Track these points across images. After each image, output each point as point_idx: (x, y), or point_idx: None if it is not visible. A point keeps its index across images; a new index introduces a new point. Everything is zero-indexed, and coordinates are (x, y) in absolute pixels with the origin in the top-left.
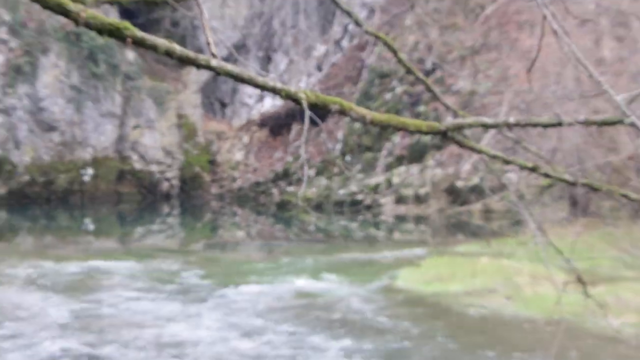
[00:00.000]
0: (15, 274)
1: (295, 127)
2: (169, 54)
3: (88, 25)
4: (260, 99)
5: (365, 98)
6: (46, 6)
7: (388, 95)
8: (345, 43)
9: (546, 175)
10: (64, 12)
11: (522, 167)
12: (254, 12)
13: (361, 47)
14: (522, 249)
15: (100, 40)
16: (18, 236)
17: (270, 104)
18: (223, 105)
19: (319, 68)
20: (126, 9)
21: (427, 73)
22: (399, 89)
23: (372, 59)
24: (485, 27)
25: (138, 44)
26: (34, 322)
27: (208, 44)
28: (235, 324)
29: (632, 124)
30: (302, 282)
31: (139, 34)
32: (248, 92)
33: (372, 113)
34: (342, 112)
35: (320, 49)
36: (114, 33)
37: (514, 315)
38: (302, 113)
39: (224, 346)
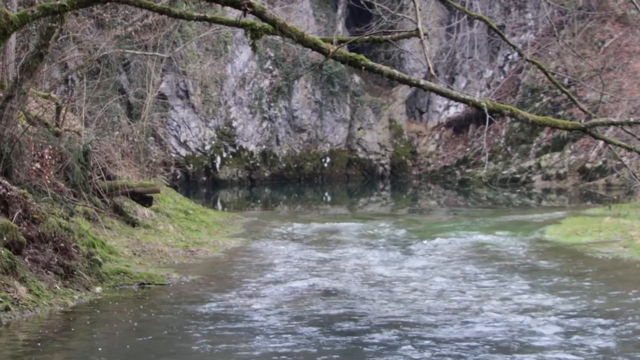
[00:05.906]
0: (277, 232)
1: (471, 127)
2: (390, 76)
3: (335, 57)
4: (447, 107)
5: (521, 106)
6: (306, 45)
7: (537, 104)
8: (506, 68)
9: None
10: (319, 49)
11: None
12: (443, 47)
13: (518, 71)
14: (634, 211)
15: (336, 68)
16: (278, 205)
17: (454, 111)
18: (421, 112)
19: (488, 86)
20: (355, 47)
21: (565, 88)
22: (545, 99)
23: (526, 79)
24: (605, 55)
25: (369, 69)
26: (289, 265)
27: (428, 68)
28: (429, 265)
29: None
30: (477, 236)
31: (370, 62)
32: (438, 103)
33: (533, 115)
34: (512, 115)
35: (488, 73)
36: (353, 63)
37: (629, 259)
38: (477, 117)
39: (421, 280)
